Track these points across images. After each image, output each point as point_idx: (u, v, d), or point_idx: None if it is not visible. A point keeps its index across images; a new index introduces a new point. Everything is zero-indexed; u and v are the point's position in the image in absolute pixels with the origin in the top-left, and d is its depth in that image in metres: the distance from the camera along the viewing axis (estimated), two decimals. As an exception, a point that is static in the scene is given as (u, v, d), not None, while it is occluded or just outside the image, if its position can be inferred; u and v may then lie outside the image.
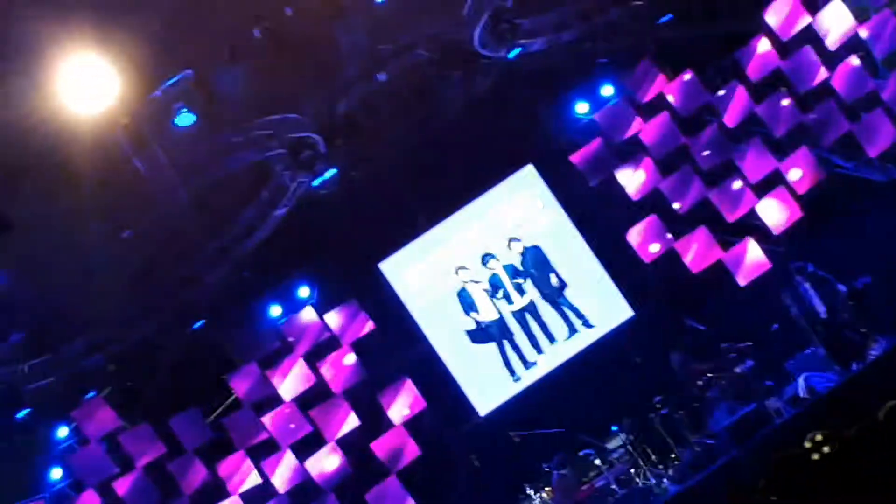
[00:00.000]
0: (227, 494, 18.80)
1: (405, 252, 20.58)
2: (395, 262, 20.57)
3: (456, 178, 19.99)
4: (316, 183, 19.31)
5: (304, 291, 20.22)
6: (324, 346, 19.81)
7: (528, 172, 20.71)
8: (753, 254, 19.28)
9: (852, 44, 19.05)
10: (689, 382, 18.43)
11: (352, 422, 19.48)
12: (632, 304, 20.33)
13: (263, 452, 19.17)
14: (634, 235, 19.69)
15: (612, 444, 18.58)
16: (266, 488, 19.02)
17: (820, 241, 18.65)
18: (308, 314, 19.87)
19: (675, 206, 19.48)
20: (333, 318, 19.90)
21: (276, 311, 20.05)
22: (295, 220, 19.41)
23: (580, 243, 20.55)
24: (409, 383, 19.65)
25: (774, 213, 19.38)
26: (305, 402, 19.51)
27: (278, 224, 19.31)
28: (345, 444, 19.34)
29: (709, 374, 18.26)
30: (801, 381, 17.30)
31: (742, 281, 19.23)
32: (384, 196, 19.86)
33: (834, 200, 19.30)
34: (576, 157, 19.91)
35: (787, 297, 18.21)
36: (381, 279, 20.44)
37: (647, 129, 19.71)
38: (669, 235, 19.60)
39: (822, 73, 19.19)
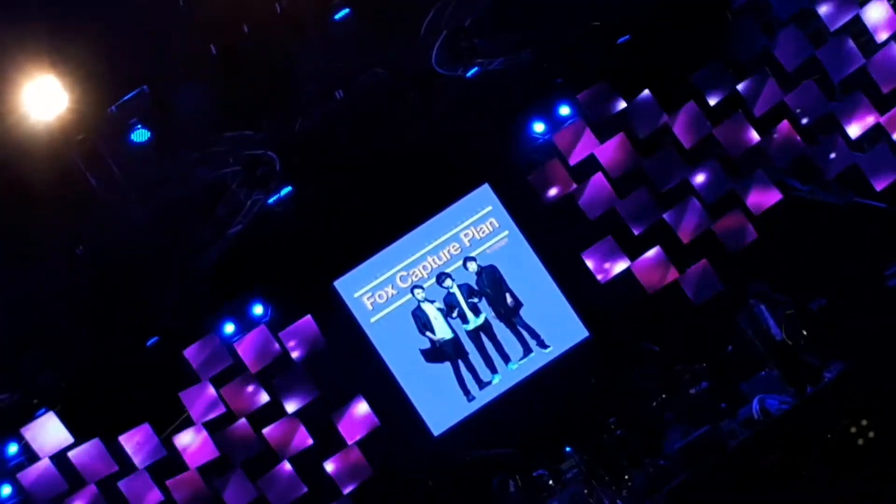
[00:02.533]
0: (179, 513, 18.69)
1: (360, 270, 20.53)
2: (350, 280, 20.51)
3: (412, 196, 19.99)
4: (271, 200, 19.26)
5: (258, 309, 20.14)
6: (277, 364, 19.71)
7: (485, 191, 20.73)
8: (708, 275, 19.35)
9: (808, 66, 19.15)
10: (645, 404, 18.45)
11: (304, 440, 19.40)
12: (587, 325, 20.35)
13: (216, 470, 19.05)
14: (590, 256, 19.71)
15: (565, 465, 18.54)
16: (218, 507, 18.94)
17: (776, 264, 18.72)
18: (262, 332, 19.76)
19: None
20: (287, 336, 19.80)
21: (230, 328, 19.95)
22: (250, 237, 19.34)
23: (536, 263, 20.56)
24: (362, 402, 19.59)
25: (730, 234, 19.46)
26: (258, 420, 19.40)
27: (233, 241, 19.23)
28: (298, 463, 19.26)
29: (663, 396, 18.30)
30: (755, 403, 17.34)
31: (697, 302, 19.31)
32: (340, 214, 19.82)
33: (791, 223, 19.39)
34: (532, 177, 19.93)
35: (743, 319, 18.29)
36: (336, 297, 20.38)
37: (603, 150, 19.74)
38: (625, 256, 19.64)
39: (779, 95, 19.29)
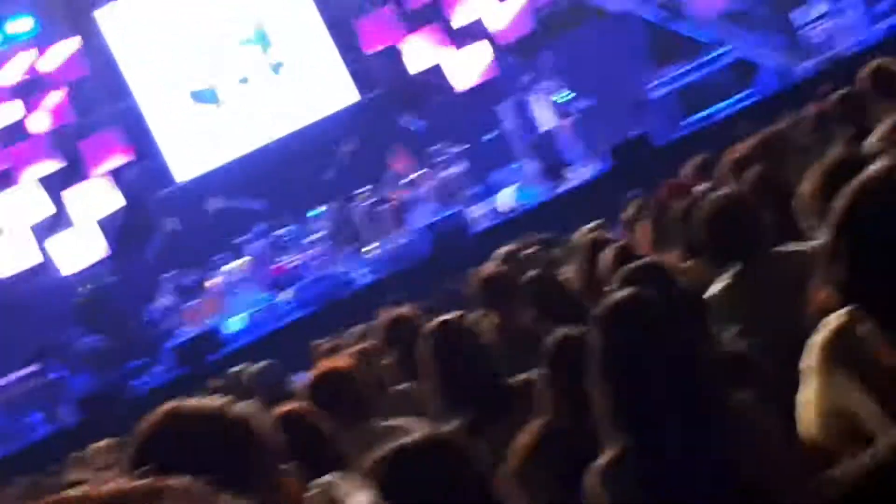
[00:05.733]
0: None
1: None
2: (113, 9, 19.90)
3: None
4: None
5: (25, 23, 19.33)
6: (34, 84, 19.09)
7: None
8: (481, 59, 19.34)
9: None
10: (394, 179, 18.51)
11: (50, 166, 18.97)
12: (360, 90, 20.25)
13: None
14: (366, 24, 19.53)
15: (309, 227, 18.56)
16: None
17: (549, 57, 18.66)
18: (26, 46, 19.06)
19: None
20: (51, 55, 19.16)
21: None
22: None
23: (318, 21, 20.25)
24: (115, 135, 19.22)
25: (504, 22, 19.39)
26: (5, 138, 18.87)
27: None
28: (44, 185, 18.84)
29: (418, 173, 18.32)
30: (505, 192, 17.56)
31: (460, 86, 19.30)
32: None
33: (565, 23, 19.42)
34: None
35: (506, 109, 18.32)
36: (98, 26, 19.75)
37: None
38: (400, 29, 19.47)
39: None
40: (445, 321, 5.08)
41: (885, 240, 2.44)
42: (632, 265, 4.86)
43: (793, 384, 3.38)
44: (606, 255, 6.00)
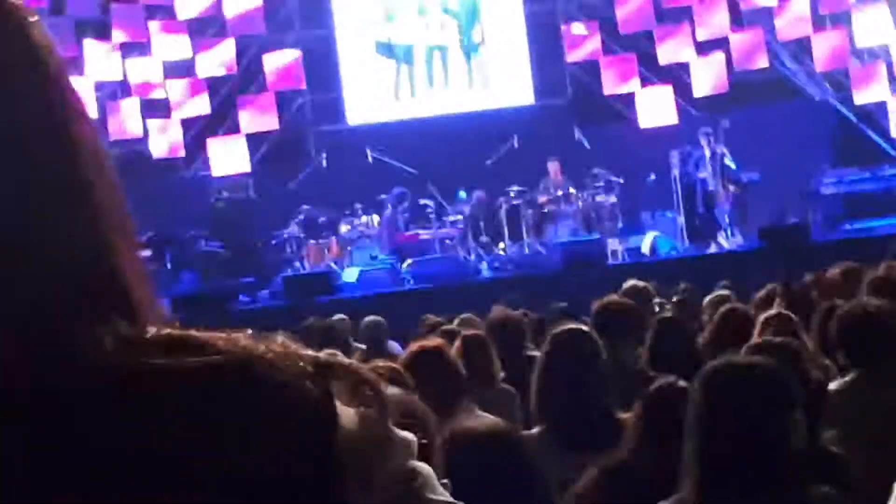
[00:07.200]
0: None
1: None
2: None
3: None
4: None
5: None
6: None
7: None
8: (669, 102, 19.27)
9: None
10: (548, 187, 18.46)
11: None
12: (536, 94, 20.28)
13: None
14: (573, 29, 19.67)
15: (452, 208, 18.58)
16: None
17: (733, 121, 18.43)
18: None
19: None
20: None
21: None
22: None
23: (519, 13, 20.31)
24: (298, 59, 19.51)
25: (704, 75, 19.30)
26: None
27: None
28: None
29: (571, 190, 18.23)
30: (648, 236, 17.49)
31: (644, 123, 19.26)
32: None
33: (760, 93, 19.24)
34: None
35: (677, 156, 18.18)
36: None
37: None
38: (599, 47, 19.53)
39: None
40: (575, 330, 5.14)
41: None
42: (771, 339, 4.90)
43: (883, 495, 3.35)
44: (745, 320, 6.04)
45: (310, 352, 1.17)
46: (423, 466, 2.67)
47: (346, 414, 1.15)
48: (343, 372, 1.17)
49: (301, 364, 1.14)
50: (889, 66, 18.66)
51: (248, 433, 1.09)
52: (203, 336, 1.12)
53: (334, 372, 1.16)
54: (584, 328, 5.27)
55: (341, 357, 1.26)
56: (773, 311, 6.35)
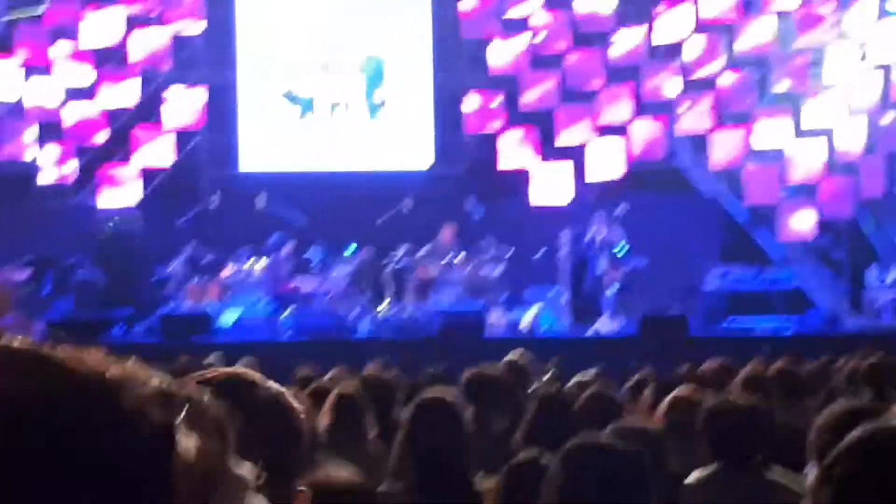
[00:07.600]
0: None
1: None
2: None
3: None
4: None
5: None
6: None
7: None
8: (565, 181, 19.31)
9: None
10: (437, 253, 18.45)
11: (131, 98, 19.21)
12: (436, 160, 20.42)
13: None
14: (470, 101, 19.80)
15: (338, 263, 18.49)
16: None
17: (626, 207, 18.51)
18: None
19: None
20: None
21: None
22: None
23: (429, 80, 20.47)
24: (200, 97, 19.41)
25: (601, 159, 19.44)
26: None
27: None
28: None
29: (459, 256, 18.21)
30: (531, 310, 17.52)
31: (535, 201, 19.34)
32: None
33: (656, 182, 19.42)
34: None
35: (569, 234, 18.27)
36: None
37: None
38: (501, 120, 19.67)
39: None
40: (440, 399, 5.09)
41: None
42: (633, 424, 4.97)
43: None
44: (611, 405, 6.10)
45: (156, 380, 1.15)
46: None
47: (186, 444, 1.13)
48: (185, 402, 1.15)
49: (147, 392, 1.12)
50: (782, 170, 18.98)
51: (86, 457, 1.07)
52: (60, 355, 1.11)
53: (176, 401, 1.14)
54: (450, 396, 5.23)
55: (190, 387, 1.25)
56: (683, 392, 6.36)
